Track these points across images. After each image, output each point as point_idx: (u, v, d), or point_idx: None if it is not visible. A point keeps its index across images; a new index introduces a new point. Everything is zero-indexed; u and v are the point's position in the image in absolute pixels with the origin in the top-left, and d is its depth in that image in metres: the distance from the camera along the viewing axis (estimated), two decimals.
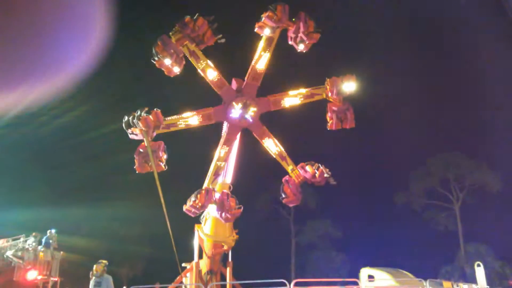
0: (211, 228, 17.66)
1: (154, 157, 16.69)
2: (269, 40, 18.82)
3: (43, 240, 22.87)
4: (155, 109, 16.76)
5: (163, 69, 17.69)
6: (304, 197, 21.33)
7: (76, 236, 32.91)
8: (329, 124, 19.74)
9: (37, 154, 39.63)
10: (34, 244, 22.36)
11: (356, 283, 20.09)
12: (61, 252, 24.18)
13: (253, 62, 18.83)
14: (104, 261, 14.79)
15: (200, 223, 18.58)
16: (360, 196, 44.66)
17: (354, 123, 19.58)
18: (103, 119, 37.85)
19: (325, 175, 18.70)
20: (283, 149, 19.52)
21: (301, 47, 19.45)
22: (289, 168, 19.37)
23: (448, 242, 42.67)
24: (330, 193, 38.35)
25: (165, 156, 17.31)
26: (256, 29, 18.56)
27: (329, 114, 19.62)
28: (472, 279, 22.77)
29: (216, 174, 17.96)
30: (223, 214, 16.76)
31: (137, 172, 16.98)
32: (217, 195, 16.82)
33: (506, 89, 36.65)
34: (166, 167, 17.30)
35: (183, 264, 19.21)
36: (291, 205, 20.19)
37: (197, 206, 16.43)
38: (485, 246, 39.35)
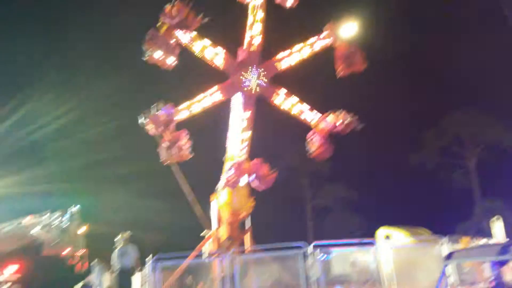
0: (227, 197, 18.01)
1: (176, 147, 16.77)
2: (257, 4, 18.39)
3: (68, 215, 23.60)
4: (163, 104, 16.79)
5: (157, 64, 17.27)
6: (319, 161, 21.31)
7: (101, 210, 33.68)
8: (338, 72, 19.35)
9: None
10: (60, 219, 23.08)
11: (373, 243, 20.44)
12: (86, 225, 24.97)
13: (248, 31, 18.55)
14: (128, 232, 15.35)
15: (216, 192, 18.99)
16: (374, 156, 44.45)
17: (364, 65, 19.04)
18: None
19: (346, 121, 18.55)
20: (304, 104, 19.13)
21: (289, 3, 18.93)
22: (312, 122, 19.29)
23: (464, 199, 42.67)
24: (345, 155, 38.25)
25: (188, 145, 17.22)
26: None
27: (337, 61, 19.21)
28: (489, 234, 22.90)
29: (243, 145, 18.21)
30: (259, 182, 17.19)
31: (164, 164, 17.30)
32: (249, 165, 17.20)
33: None
34: (193, 153, 17.32)
35: (202, 234, 19.75)
36: (321, 158, 19.92)
37: (233, 180, 16.95)
38: (501, 201, 39.24)
